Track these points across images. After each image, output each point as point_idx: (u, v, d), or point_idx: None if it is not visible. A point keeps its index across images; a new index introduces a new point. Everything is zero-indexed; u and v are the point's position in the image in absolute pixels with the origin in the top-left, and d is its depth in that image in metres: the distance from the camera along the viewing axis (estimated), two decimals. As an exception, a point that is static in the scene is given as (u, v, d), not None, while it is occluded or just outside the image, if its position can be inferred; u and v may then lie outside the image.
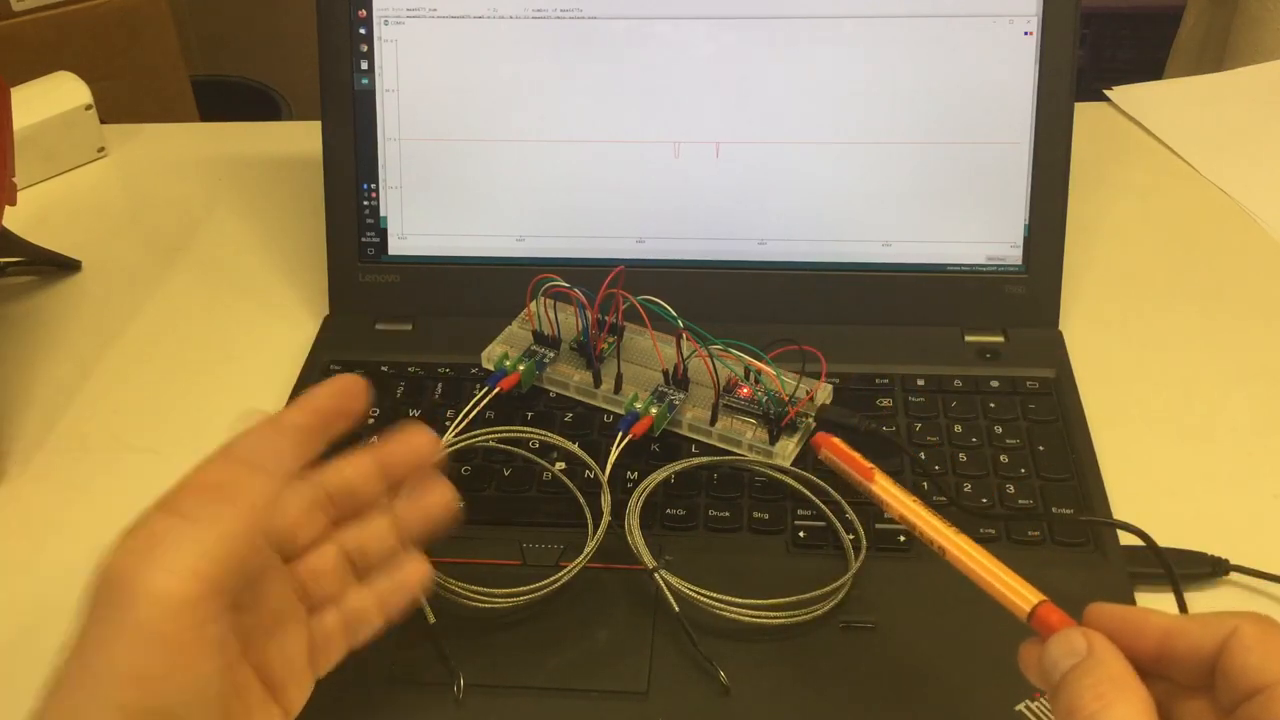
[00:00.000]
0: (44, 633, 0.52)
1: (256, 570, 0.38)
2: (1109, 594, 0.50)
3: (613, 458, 0.54)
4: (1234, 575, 0.52)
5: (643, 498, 0.53)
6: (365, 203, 0.67)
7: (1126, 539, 0.51)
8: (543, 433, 0.57)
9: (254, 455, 0.37)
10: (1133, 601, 0.50)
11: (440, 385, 0.62)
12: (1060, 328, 0.64)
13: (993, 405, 0.59)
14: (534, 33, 0.65)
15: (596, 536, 0.51)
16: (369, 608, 0.42)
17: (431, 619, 0.49)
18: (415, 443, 0.42)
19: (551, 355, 0.61)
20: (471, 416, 0.57)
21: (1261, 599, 0.52)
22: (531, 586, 0.49)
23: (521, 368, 0.59)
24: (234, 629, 0.37)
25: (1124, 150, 0.83)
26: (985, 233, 0.64)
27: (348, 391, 0.40)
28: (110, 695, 0.33)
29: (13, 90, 0.69)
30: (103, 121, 0.88)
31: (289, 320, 0.69)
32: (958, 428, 0.58)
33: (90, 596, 0.34)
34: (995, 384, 0.61)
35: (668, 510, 0.54)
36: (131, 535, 0.34)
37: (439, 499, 0.43)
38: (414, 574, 0.43)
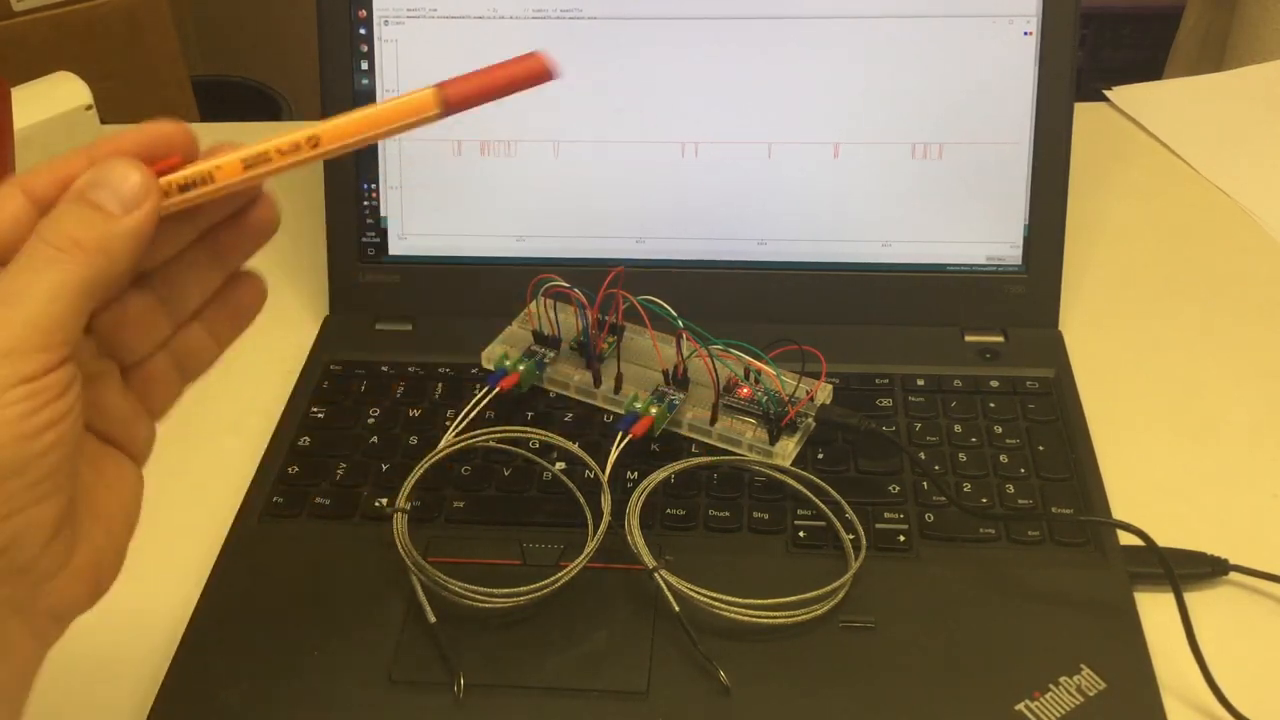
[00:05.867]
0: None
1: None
2: (1109, 594, 0.50)
3: (613, 458, 0.54)
4: (1234, 575, 0.52)
5: (643, 498, 0.53)
6: (365, 203, 0.67)
7: (1126, 539, 0.51)
8: (543, 433, 0.57)
9: (109, 196, 0.33)
10: (1132, 604, 0.50)
11: (440, 385, 0.62)
12: (1060, 328, 0.64)
13: (992, 405, 0.59)
14: (534, 33, 0.65)
15: (596, 536, 0.51)
16: (200, 342, 0.38)
17: (432, 619, 0.49)
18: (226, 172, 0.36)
19: (551, 355, 0.61)
20: (471, 416, 0.57)
21: (1261, 599, 0.52)
22: (531, 586, 0.49)
23: (521, 368, 0.59)
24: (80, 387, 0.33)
25: (1124, 150, 0.83)
26: (985, 233, 0.64)
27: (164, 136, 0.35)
28: None
29: (13, 90, 0.69)
30: (103, 121, 0.88)
31: (289, 320, 0.69)
32: (957, 428, 0.58)
33: None
34: (995, 384, 0.61)
35: (668, 510, 0.54)
36: None
37: (264, 218, 0.38)
38: (246, 294, 0.39)
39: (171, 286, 0.37)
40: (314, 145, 0.35)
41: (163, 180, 0.34)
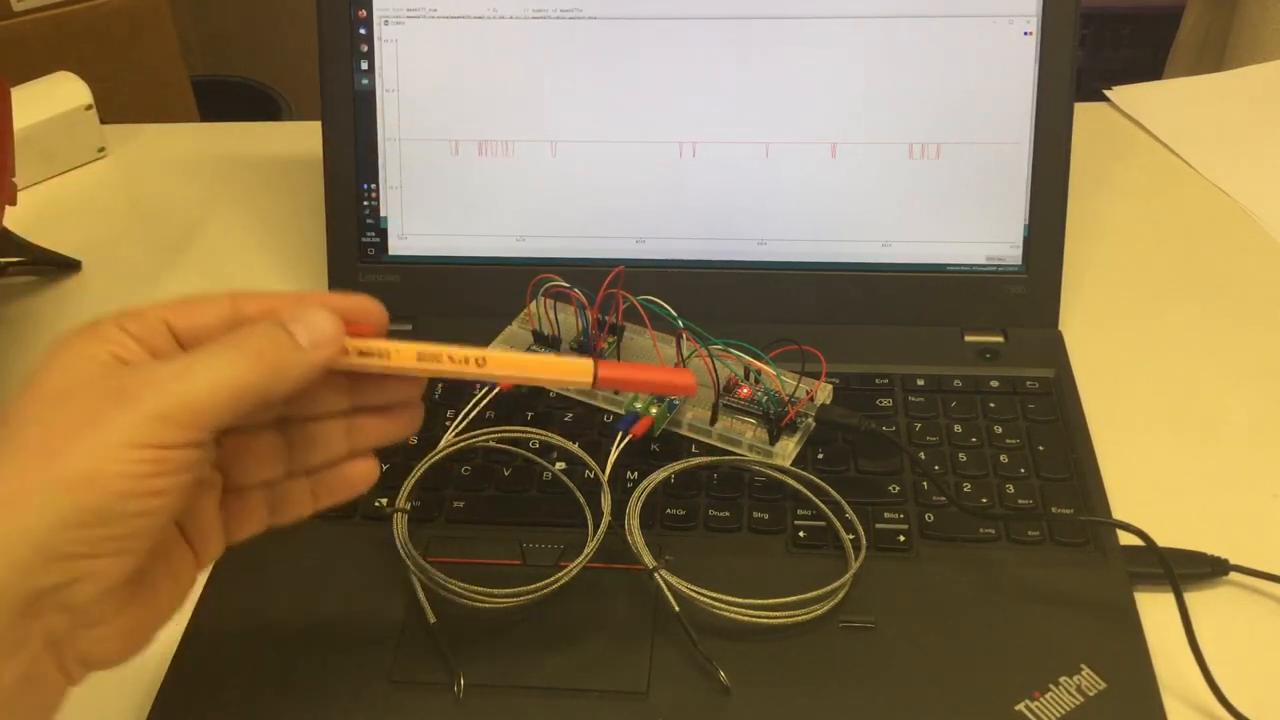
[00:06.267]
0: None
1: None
2: (1109, 594, 0.50)
3: (613, 458, 0.54)
4: (1234, 575, 0.52)
5: (643, 498, 0.53)
6: (365, 203, 0.67)
7: (1126, 539, 0.51)
8: (543, 433, 0.57)
9: (303, 328, 0.37)
10: (1132, 604, 0.50)
11: (440, 385, 0.62)
12: (1060, 328, 0.64)
13: (992, 405, 0.59)
14: (534, 33, 0.65)
15: (596, 536, 0.51)
16: (300, 495, 0.41)
17: (431, 619, 0.49)
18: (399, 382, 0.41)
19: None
20: (472, 416, 0.57)
21: (1261, 599, 0.52)
22: (531, 586, 0.49)
23: (521, 368, 0.59)
24: (198, 474, 0.36)
25: (1124, 150, 0.83)
26: (985, 233, 0.64)
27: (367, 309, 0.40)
28: (62, 484, 0.32)
29: (13, 90, 0.69)
30: (103, 121, 0.88)
31: (289, 320, 0.69)
32: (957, 428, 0.58)
33: (82, 372, 0.34)
34: (995, 384, 0.61)
35: (668, 510, 0.54)
36: (135, 335, 0.35)
37: (405, 422, 0.42)
38: (358, 472, 0.42)
39: (304, 439, 0.40)
40: (480, 364, 0.40)
41: (348, 340, 0.38)
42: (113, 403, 0.33)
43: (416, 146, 0.66)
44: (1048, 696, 0.46)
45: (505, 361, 0.40)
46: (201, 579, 0.53)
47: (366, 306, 0.39)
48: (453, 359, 0.39)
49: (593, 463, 0.55)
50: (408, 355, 0.39)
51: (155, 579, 0.37)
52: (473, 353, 0.40)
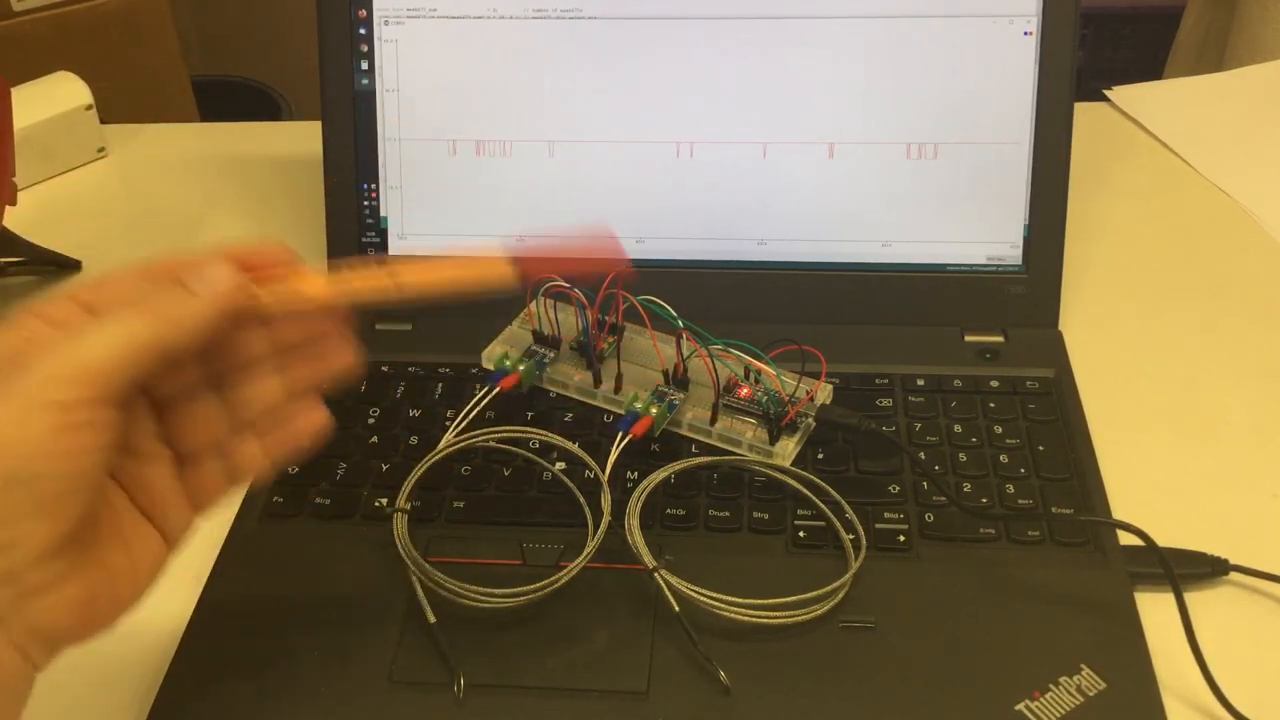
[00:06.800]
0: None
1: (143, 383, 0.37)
2: (1109, 594, 0.50)
3: (613, 458, 0.54)
4: (1234, 575, 0.52)
5: (643, 498, 0.53)
6: (365, 203, 0.67)
7: (1126, 539, 0.51)
8: (543, 433, 0.57)
9: (197, 279, 0.38)
10: (1132, 604, 0.50)
11: (440, 385, 0.62)
12: (1060, 328, 0.64)
13: (992, 405, 0.59)
14: (534, 33, 0.65)
15: (596, 536, 0.51)
16: (252, 451, 0.41)
17: (431, 619, 0.49)
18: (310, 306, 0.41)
19: (551, 355, 0.61)
20: (471, 416, 0.57)
21: (1261, 599, 0.52)
22: (531, 586, 0.49)
23: (521, 368, 0.59)
24: (115, 435, 0.36)
25: (1124, 150, 0.83)
26: (985, 233, 0.64)
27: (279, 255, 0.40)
28: None
29: (13, 90, 0.69)
30: (103, 121, 0.88)
31: (289, 320, 0.69)
32: (957, 428, 0.58)
33: None
34: (995, 384, 0.61)
35: (668, 510, 0.54)
36: (45, 316, 0.36)
37: (335, 356, 0.42)
38: (304, 420, 0.42)
39: (239, 392, 0.41)
40: (390, 275, 0.40)
41: (253, 286, 0.39)
42: (10, 373, 0.34)
43: (416, 146, 0.66)
44: (1048, 696, 0.46)
45: (415, 269, 0.40)
46: (197, 569, 0.53)
47: (273, 251, 0.40)
48: (364, 279, 0.40)
49: (593, 463, 0.55)
50: (315, 284, 0.40)
51: (104, 553, 0.37)
52: (385, 272, 0.40)
